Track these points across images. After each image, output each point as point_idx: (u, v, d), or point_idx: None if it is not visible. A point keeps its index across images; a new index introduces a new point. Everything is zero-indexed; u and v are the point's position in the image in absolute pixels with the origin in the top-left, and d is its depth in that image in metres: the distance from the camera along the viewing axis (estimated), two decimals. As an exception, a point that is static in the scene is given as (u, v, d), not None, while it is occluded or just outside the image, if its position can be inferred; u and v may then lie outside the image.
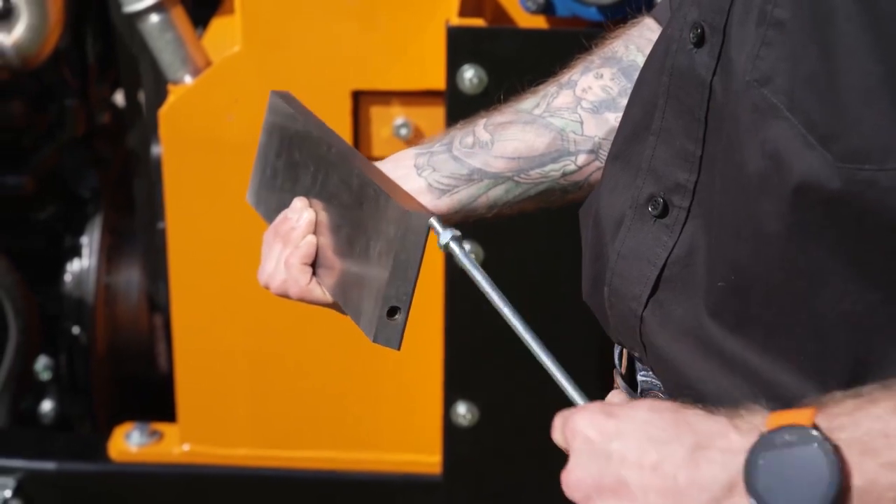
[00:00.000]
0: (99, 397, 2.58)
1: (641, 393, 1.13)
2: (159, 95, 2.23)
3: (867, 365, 0.94)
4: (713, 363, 1.00)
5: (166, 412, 2.38)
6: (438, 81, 2.04)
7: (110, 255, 2.58)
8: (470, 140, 1.29)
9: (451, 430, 2.19)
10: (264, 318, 2.19)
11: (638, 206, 1.07)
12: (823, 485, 0.81)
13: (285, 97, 1.40)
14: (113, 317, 2.58)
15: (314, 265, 1.25)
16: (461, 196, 1.28)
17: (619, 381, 1.17)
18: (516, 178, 1.28)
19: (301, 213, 1.26)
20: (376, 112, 2.12)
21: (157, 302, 2.53)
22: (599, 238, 1.12)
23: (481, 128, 1.29)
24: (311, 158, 1.30)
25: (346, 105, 2.09)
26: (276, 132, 1.39)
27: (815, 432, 0.82)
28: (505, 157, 1.27)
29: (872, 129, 0.88)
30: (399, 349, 1.16)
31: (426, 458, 2.26)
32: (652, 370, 1.09)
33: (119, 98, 2.70)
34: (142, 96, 2.43)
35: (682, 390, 1.03)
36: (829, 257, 0.93)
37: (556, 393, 2.32)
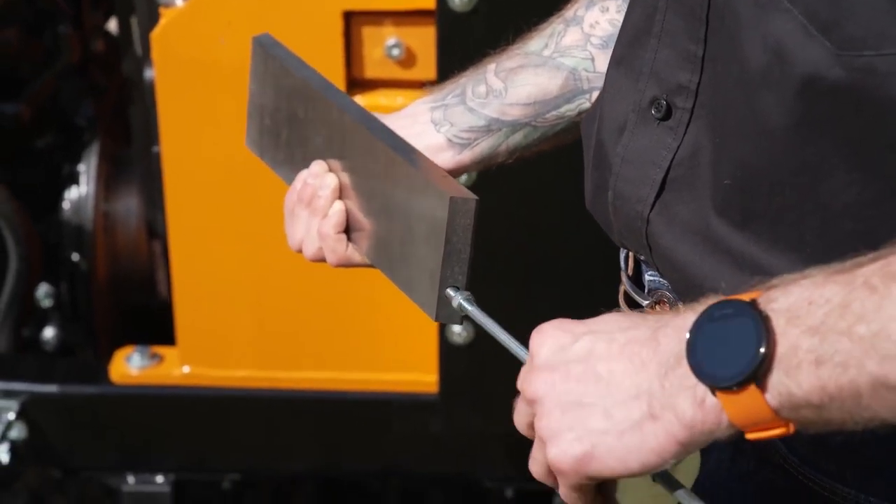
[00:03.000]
0: (100, 324, 2.60)
1: (649, 293, 1.15)
2: (152, 20, 2.23)
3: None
4: (721, 260, 1.02)
5: (167, 338, 2.40)
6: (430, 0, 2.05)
7: (108, 182, 2.59)
8: (483, 89, 1.29)
9: (446, 349, 2.21)
10: (262, 241, 2.21)
11: (641, 109, 1.08)
12: (751, 351, 0.85)
13: (269, 43, 1.39)
14: (112, 244, 2.59)
15: (347, 230, 1.26)
16: (482, 148, 1.29)
17: (626, 282, 1.18)
18: (534, 123, 1.29)
19: (323, 179, 1.26)
20: (368, 32, 2.12)
21: (156, 228, 2.55)
22: (602, 144, 1.13)
23: (492, 75, 1.30)
24: (320, 121, 1.29)
25: (338, 25, 2.08)
26: (268, 83, 1.38)
27: (750, 305, 0.86)
28: (520, 103, 1.28)
29: (868, 15, 0.89)
30: (460, 324, 1.17)
31: (423, 377, 2.28)
32: (658, 271, 1.11)
33: (113, 26, 2.70)
34: (135, 22, 2.43)
35: (690, 289, 1.05)
36: (833, 149, 0.93)
37: (549, 309, 2.35)
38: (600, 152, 1.13)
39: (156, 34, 2.14)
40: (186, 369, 2.32)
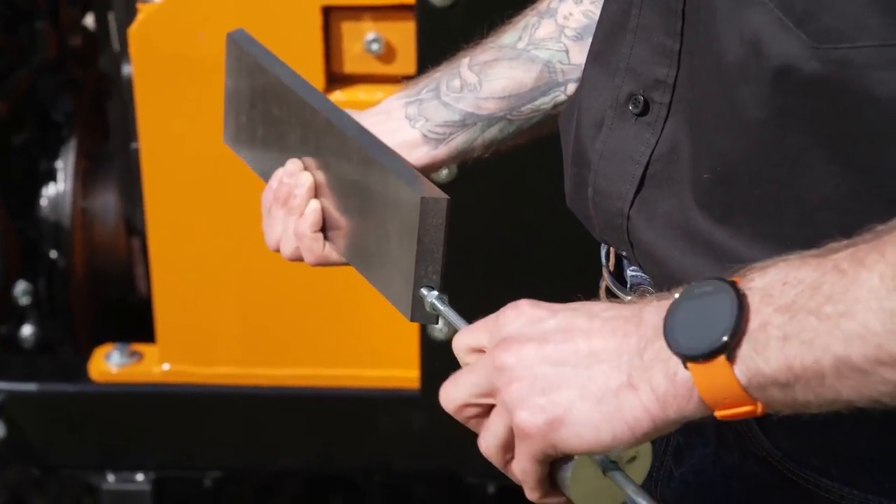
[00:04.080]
0: (79, 321, 2.59)
1: (631, 288, 1.14)
2: (129, 15, 2.22)
3: None
4: (701, 255, 1.01)
5: (147, 335, 2.39)
6: (409, -6, 2.04)
7: (86, 179, 2.57)
8: (457, 83, 1.29)
9: (428, 345, 2.21)
10: (242, 237, 2.20)
11: (618, 105, 1.07)
12: (724, 325, 0.87)
13: (244, 39, 1.38)
14: (90, 241, 2.58)
15: (323, 229, 1.25)
16: (457, 142, 1.29)
17: (607, 278, 1.18)
18: (509, 117, 1.28)
19: (298, 178, 1.26)
20: (347, 27, 2.11)
21: (135, 225, 2.54)
22: (580, 140, 1.12)
23: (466, 69, 1.29)
24: (295, 119, 1.29)
25: (317, 20, 2.08)
26: (244, 80, 1.37)
27: (729, 284, 0.88)
28: (495, 97, 1.27)
29: (844, 6, 0.89)
30: (438, 324, 1.16)
31: (405, 373, 2.28)
32: (640, 266, 1.10)
33: (90, 21, 2.69)
34: (112, 17, 2.42)
35: (672, 284, 1.04)
36: (811, 141, 0.93)
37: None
38: (579, 148, 1.12)
39: (133, 30, 2.13)
40: (166, 367, 2.31)
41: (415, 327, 2.23)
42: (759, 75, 0.94)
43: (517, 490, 2.65)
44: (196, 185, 2.20)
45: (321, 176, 1.25)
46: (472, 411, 0.98)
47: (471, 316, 1.07)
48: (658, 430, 0.90)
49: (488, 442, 0.97)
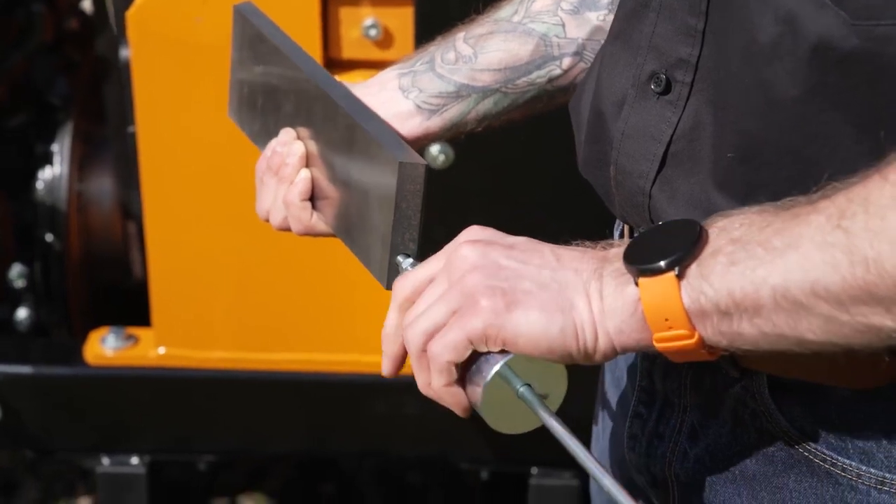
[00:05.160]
0: (74, 304, 2.59)
1: None
2: (127, -1, 2.22)
3: None
4: None
5: (142, 319, 2.39)
6: (408, -20, 2.04)
7: (82, 162, 2.57)
8: (452, 55, 1.28)
9: (423, 330, 2.21)
10: (238, 222, 2.20)
11: (640, 84, 1.07)
12: (677, 248, 0.91)
13: (250, 11, 1.38)
14: (86, 224, 2.58)
15: (312, 198, 1.26)
16: (451, 114, 1.28)
17: None
18: (503, 90, 1.28)
19: (290, 147, 1.26)
20: (345, 13, 2.11)
21: (131, 209, 2.54)
22: (600, 119, 1.12)
23: (462, 42, 1.29)
24: (290, 88, 1.29)
25: (315, 6, 2.07)
26: (246, 51, 1.37)
27: (693, 220, 0.93)
28: (490, 69, 1.27)
29: None
30: None
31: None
32: None
33: (87, 4, 2.68)
34: (109, 1, 2.41)
35: None
36: (843, 119, 0.94)
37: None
38: (599, 127, 1.12)
39: (131, 13, 2.12)
40: (162, 350, 2.31)
41: (410, 313, 2.23)
42: (795, 53, 0.94)
43: (510, 476, 2.66)
44: (193, 169, 2.20)
45: (312, 145, 1.25)
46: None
47: None
48: (597, 345, 0.93)
49: (420, 323, 0.97)
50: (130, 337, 2.34)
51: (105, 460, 2.40)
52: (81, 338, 2.40)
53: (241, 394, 2.34)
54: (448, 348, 0.95)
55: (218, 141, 2.09)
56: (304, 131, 1.27)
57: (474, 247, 0.97)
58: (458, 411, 0.99)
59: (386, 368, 1.04)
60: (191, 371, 2.30)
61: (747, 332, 0.90)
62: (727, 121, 1.00)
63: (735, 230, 0.91)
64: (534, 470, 2.35)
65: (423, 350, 0.97)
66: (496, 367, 0.95)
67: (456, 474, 2.68)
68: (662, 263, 0.91)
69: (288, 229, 1.29)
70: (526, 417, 0.96)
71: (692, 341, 0.91)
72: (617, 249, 0.96)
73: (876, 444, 1.01)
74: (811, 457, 1.03)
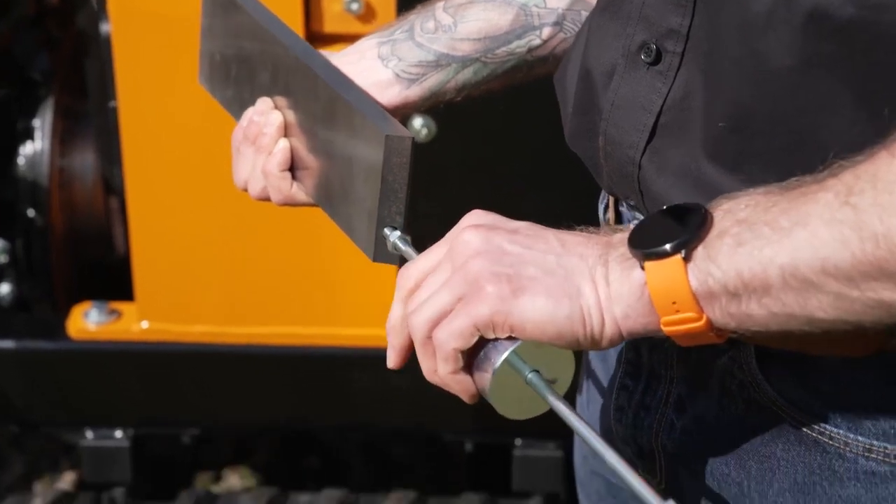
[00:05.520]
0: (57, 280, 2.58)
1: None
2: (108, -28, 2.21)
3: None
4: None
5: (125, 294, 2.39)
6: (389, -47, 2.04)
7: (64, 137, 2.56)
8: (431, 25, 1.28)
9: (406, 304, 2.21)
10: (220, 197, 2.20)
11: (630, 54, 1.07)
12: (683, 230, 0.91)
13: None
14: (68, 199, 2.57)
15: (291, 168, 1.25)
16: (430, 83, 1.28)
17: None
18: (483, 59, 1.27)
19: (268, 117, 1.25)
20: (326, -14, 2.11)
21: (113, 184, 2.53)
22: (589, 90, 1.12)
23: (441, 11, 1.28)
24: (267, 57, 1.28)
25: (297, -21, 2.07)
26: (218, 18, 1.36)
27: (697, 204, 0.93)
28: (470, 38, 1.27)
29: None
30: (399, 266, 1.16)
31: (383, 331, 2.27)
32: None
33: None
34: (90, -26, 2.41)
35: None
36: (839, 88, 0.94)
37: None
38: (587, 98, 1.12)
39: (112, -13, 2.12)
40: (145, 325, 2.32)
41: (392, 286, 2.23)
42: (790, 22, 0.94)
43: (494, 447, 2.66)
44: (174, 143, 2.19)
45: (291, 115, 1.25)
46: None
47: None
48: (604, 331, 0.92)
49: (424, 310, 0.95)
50: (113, 311, 2.35)
51: (89, 434, 2.41)
52: (64, 313, 2.40)
53: (225, 368, 2.34)
54: (454, 335, 0.94)
55: (200, 115, 2.09)
56: (281, 101, 1.26)
57: (477, 231, 0.96)
58: (465, 398, 0.98)
59: (391, 361, 1.03)
60: (174, 345, 2.31)
61: (756, 312, 0.90)
62: (718, 91, 1.00)
63: (741, 211, 0.90)
64: (518, 441, 2.36)
65: (429, 337, 0.96)
66: (504, 354, 0.93)
67: (440, 446, 2.69)
68: (668, 246, 0.90)
69: (267, 199, 1.28)
70: (534, 403, 0.95)
71: (700, 324, 0.91)
72: (621, 234, 0.95)
73: (864, 413, 1.01)
74: (799, 426, 1.04)
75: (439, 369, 0.96)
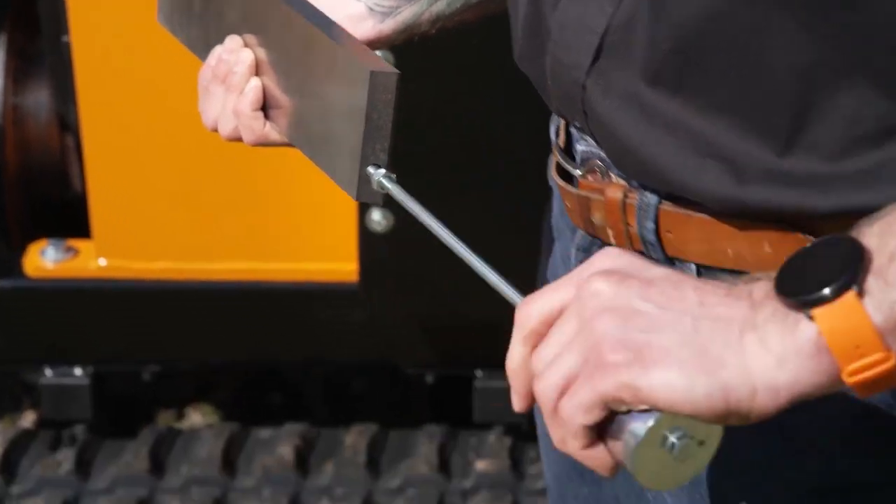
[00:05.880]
0: (12, 218, 2.56)
1: (581, 163, 1.14)
2: None
3: (808, 118, 0.95)
4: (655, 126, 1.01)
5: (83, 232, 2.38)
6: None
7: (17, 75, 2.54)
8: None
9: (366, 237, 2.22)
10: (176, 131, 2.19)
11: None
12: (845, 262, 0.80)
13: None
14: (23, 138, 2.55)
15: (264, 108, 1.22)
16: (404, 16, 1.26)
17: (557, 154, 1.18)
18: None
19: (239, 55, 1.22)
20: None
21: (69, 122, 2.51)
22: (538, 11, 1.11)
23: None
24: None
25: None
26: None
27: (836, 234, 0.82)
28: None
29: None
30: (381, 204, 1.14)
31: (343, 265, 2.29)
32: (595, 139, 1.10)
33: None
34: None
35: (624, 155, 1.05)
36: (787, 7, 0.93)
37: (469, 196, 2.36)
38: (536, 19, 1.12)
39: (62, -81, 2.09)
40: (102, 262, 2.31)
41: (353, 220, 2.23)
42: None
43: (455, 379, 2.67)
44: (129, 77, 2.17)
45: (262, 53, 1.23)
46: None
47: (418, 196, 1.05)
48: (754, 405, 0.80)
49: (549, 377, 0.83)
50: (70, 249, 2.33)
51: (48, 372, 2.40)
52: (20, 251, 2.39)
53: (183, 304, 2.34)
54: (581, 410, 0.83)
55: (154, 48, 2.07)
56: (251, 38, 1.24)
57: (608, 281, 0.83)
58: (604, 472, 0.86)
59: (517, 405, 0.89)
60: (132, 282, 2.30)
61: None
62: (662, 11, 1.00)
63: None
64: (478, 373, 2.37)
65: (556, 408, 0.85)
66: (641, 430, 0.82)
67: (401, 380, 2.70)
68: (837, 286, 0.79)
69: (238, 139, 1.26)
70: (682, 467, 0.84)
71: (890, 364, 0.79)
72: (763, 288, 0.82)
73: None
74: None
75: (568, 445, 0.85)
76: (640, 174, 1.06)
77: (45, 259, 2.33)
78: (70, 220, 2.49)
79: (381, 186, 1.09)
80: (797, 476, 1.08)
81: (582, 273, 0.85)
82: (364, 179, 1.10)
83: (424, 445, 2.50)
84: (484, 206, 2.17)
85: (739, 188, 0.99)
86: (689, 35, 0.98)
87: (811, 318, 0.79)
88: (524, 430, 2.47)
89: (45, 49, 2.48)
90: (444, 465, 2.48)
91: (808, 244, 0.84)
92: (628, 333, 0.81)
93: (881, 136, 0.94)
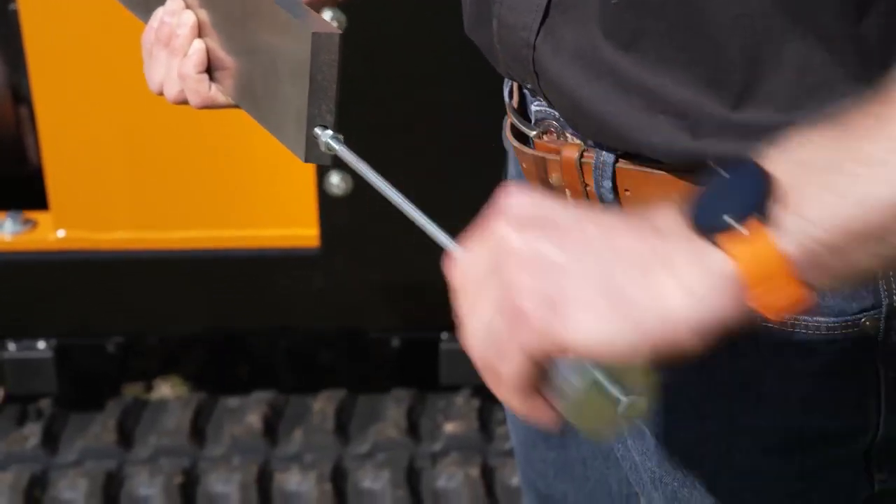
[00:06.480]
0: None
1: (536, 123, 1.13)
2: None
3: (759, 70, 0.95)
4: (607, 83, 1.01)
5: (40, 204, 2.35)
6: None
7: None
8: None
9: (325, 201, 2.20)
10: (130, 98, 2.16)
11: None
12: (756, 189, 0.79)
13: None
14: (-24, 111, 2.52)
15: (209, 70, 1.21)
16: None
17: (511, 115, 1.17)
18: None
19: (180, 17, 1.21)
20: None
21: (22, 93, 2.47)
22: None
23: None
24: None
25: None
26: None
27: (748, 161, 0.80)
28: None
29: None
30: (330, 164, 1.13)
31: (303, 231, 2.27)
32: (546, 99, 1.09)
33: None
34: None
35: (578, 114, 1.04)
36: None
37: (425, 159, 2.34)
38: None
39: None
40: (61, 233, 2.28)
41: (312, 184, 2.21)
42: None
43: (420, 343, 2.67)
44: (79, 44, 2.14)
45: (204, 14, 1.21)
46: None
47: (366, 156, 1.04)
48: (678, 338, 0.80)
49: (480, 341, 0.83)
50: (28, 221, 2.31)
51: (11, 346, 2.38)
52: (-23, 225, 2.36)
53: (144, 274, 2.32)
54: (513, 369, 0.82)
55: (103, 12, 2.04)
56: (194, 2, 1.23)
57: (519, 234, 0.82)
58: (550, 425, 0.86)
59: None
60: (91, 253, 2.28)
61: (863, 261, 0.79)
62: None
63: (813, 160, 0.79)
64: (443, 335, 2.37)
65: (492, 371, 0.84)
66: (571, 378, 0.82)
67: (366, 344, 2.69)
68: (749, 217, 0.78)
69: (185, 102, 1.25)
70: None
71: (804, 294, 0.79)
72: (671, 217, 0.81)
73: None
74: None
75: (511, 403, 0.85)
76: (596, 133, 1.05)
77: (2, 231, 2.30)
78: (27, 192, 2.47)
79: (329, 148, 1.09)
80: (757, 422, 1.08)
81: (495, 227, 0.84)
82: (311, 141, 1.09)
83: (392, 409, 2.50)
84: (440, 169, 2.15)
85: (694, 142, 0.99)
86: None
87: (724, 250, 0.79)
88: (491, 391, 2.46)
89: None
90: (412, 429, 2.48)
91: (718, 171, 0.82)
92: (543, 287, 0.80)
93: (830, 86, 0.93)
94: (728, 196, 0.79)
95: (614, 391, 0.82)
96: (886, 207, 0.77)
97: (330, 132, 1.09)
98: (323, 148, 1.09)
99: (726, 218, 0.79)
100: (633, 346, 0.80)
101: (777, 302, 0.79)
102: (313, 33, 1.06)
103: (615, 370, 0.82)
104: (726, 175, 0.81)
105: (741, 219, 0.78)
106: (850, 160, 0.78)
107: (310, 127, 1.09)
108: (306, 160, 1.11)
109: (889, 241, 0.78)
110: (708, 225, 0.79)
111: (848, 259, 0.79)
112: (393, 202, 1.00)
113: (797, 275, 0.78)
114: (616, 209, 0.84)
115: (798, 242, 0.78)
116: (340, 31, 1.07)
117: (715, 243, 0.79)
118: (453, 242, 0.90)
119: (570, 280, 0.80)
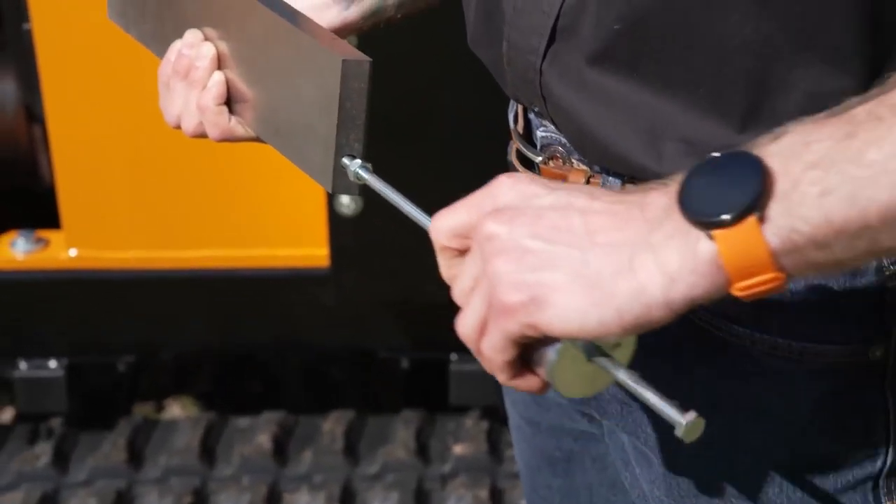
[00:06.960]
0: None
1: (542, 149, 1.13)
2: None
3: (765, 93, 0.95)
4: (612, 110, 1.01)
5: (53, 223, 2.36)
6: None
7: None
8: None
9: (335, 221, 2.21)
10: (143, 118, 2.17)
11: None
12: (749, 186, 0.80)
13: None
14: (-9, 129, 2.53)
15: (228, 102, 1.20)
16: (369, 2, 1.24)
17: (517, 140, 1.17)
18: None
19: (199, 49, 1.20)
20: None
21: (36, 112, 2.49)
22: None
23: None
24: None
25: None
26: None
27: (743, 150, 0.82)
28: None
29: None
30: (358, 195, 1.11)
31: (314, 251, 2.28)
32: (553, 123, 1.09)
33: None
34: None
35: (585, 141, 1.04)
36: None
37: (436, 176, 2.35)
38: (491, 3, 1.11)
39: None
40: (73, 252, 2.29)
41: (322, 204, 2.22)
42: None
43: (429, 363, 2.67)
44: (93, 65, 2.15)
45: (224, 46, 1.20)
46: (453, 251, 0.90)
47: (394, 184, 1.03)
48: (651, 318, 0.83)
49: (466, 322, 0.88)
50: (41, 240, 2.32)
51: (22, 365, 2.39)
52: (-10, 244, 2.38)
53: (156, 293, 2.32)
54: (496, 350, 0.87)
55: (117, 32, 2.05)
56: (211, 32, 1.21)
57: (501, 221, 0.86)
58: (537, 394, 0.91)
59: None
60: (103, 272, 2.29)
61: (844, 256, 0.81)
62: None
63: (806, 153, 0.81)
64: (453, 356, 2.37)
65: (478, 349, 0.89)
66: (553, 355, 0.87)
67: (376, 364, 2.69)
68: (740, 210, 0.80)
69: (203, 136, 1.23)
70: (603, 375, 0.89)
71: (779, 282, 0.81)
72: (659, 199, 0.84)
73: (768, 311, 1.02)
74: (707, 327, 1.04)
75: (499, 377, 0.90)
76: (601, 158, 1.05)
77: (15, 250, 2.31)
78: (41, 211, 2.48)
79: (358, 177, 1.07)
80: (765, 448, 1.08)
81: (481, 204, 0.88)
82: (339, 171, 1.07)
83: (402, 431, 2.50)
84: (451, 193, 2.16)
85: None
86: (640, 15, 0.97)
87: (712, 238, 0.81)
88: (501, 412, 2.46)
89: (9, 38, 2.46)
90: (421, 450, 2.48)
91: (713, 157, 0.84)
92: (522, 274, 0.84)
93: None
94: (720, 183, 0.81)
95: (597, 359, 0.87)
96: (879, 209, 0.78)
97: (359, 161, 1.07)
98: (352, 178, 1.07)
99: (716, 205, 0.81)
100: (608, 327, 0.83)
101: (753, 287, 0.82)
102: (343, 60, 1.04)
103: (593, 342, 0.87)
104: (720, 162, 0.83)
105: (731, 207, 0.80)
106: (848, 160, 0.79)
107: (338, 157, 1.07)
108: (334, 191, 1.09)
109: (875, 239, 0.80)
110: (697, 210, 0.81)
111: (831, 253, 0.81)
112: (426, 228, 0.96)
113: (778, 265, 0.81)
114: (611, 195, 0.87)
115: (784, 235, 0.80)
116: (370, 59, 1.05)
117: (702, 228, 0.81)
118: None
119: (550, 270, 0.84)
